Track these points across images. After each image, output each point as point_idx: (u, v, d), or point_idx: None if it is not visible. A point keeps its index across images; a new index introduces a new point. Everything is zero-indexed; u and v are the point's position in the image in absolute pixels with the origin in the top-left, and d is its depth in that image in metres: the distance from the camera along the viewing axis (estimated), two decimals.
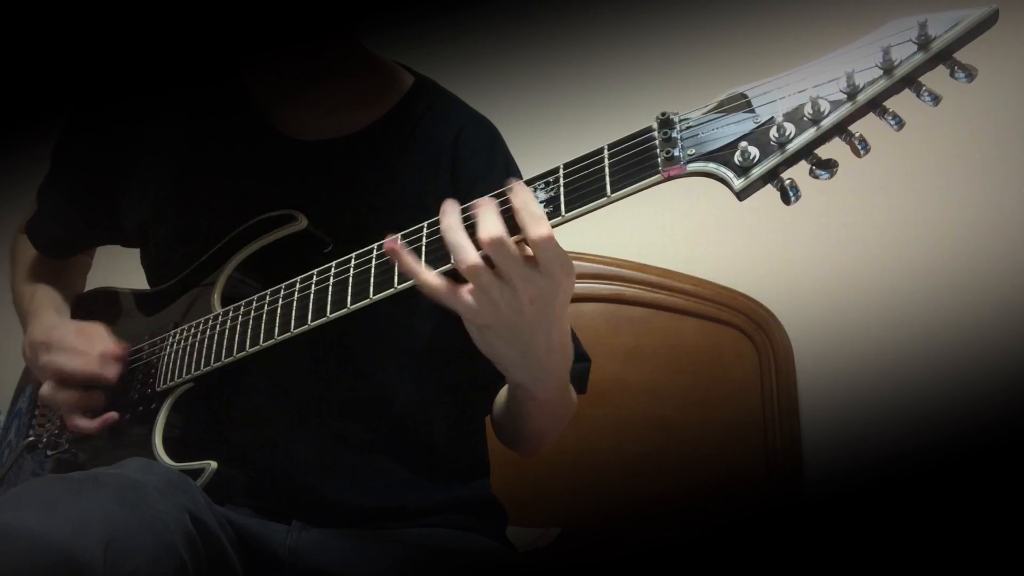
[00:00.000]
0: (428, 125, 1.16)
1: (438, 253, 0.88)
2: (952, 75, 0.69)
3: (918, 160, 1.65)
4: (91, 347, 1.12)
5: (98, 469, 0.98)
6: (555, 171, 0.83)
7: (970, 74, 0.68)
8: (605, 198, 0.79)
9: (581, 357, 1.12)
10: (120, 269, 1.35)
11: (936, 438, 1.62)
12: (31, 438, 1.21)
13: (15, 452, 1.22)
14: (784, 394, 1.65)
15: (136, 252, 1.24)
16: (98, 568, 0.75)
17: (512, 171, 1.19)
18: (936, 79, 0.70)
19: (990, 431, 1.60)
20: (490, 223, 0.82)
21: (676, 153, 0.77)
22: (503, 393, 1.12)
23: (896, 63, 0.69)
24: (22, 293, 1.30)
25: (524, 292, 0.83)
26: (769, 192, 0.76)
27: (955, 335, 1.64)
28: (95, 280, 1.38)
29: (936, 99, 0.69)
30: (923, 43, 0.69)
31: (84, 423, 1.12)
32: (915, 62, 0.69)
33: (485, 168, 1.15)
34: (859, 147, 0.71)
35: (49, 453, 1.19)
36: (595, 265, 1.70)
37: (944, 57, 0.69)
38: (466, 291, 0.84)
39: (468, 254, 0.83)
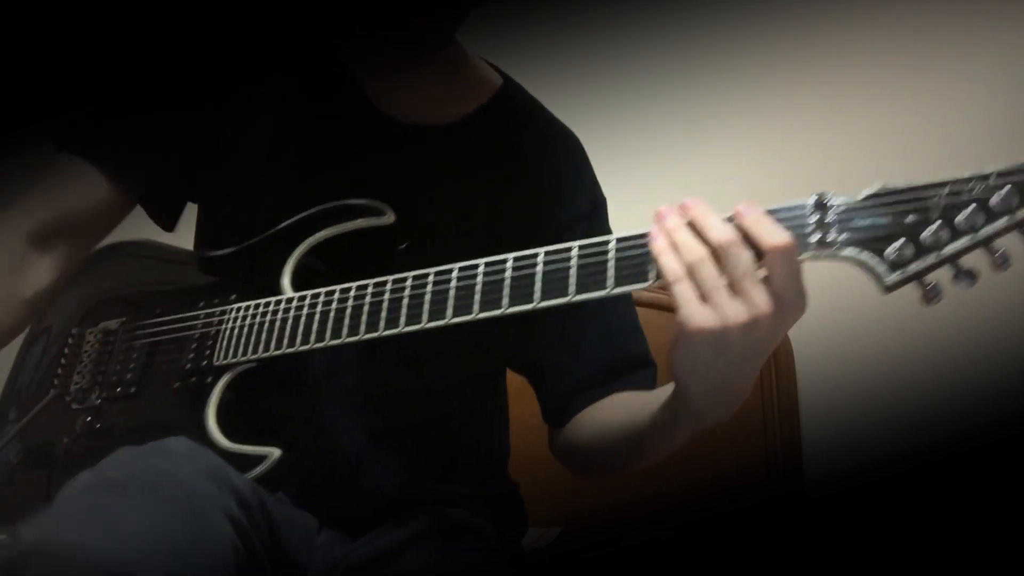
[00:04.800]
0: (519, 128, 1.16)
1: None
2: None
3: (919, 160, 1.65)
4: None
5: (142, 460, 0.91)
6: None
7: None
8: None
9: (651, 362, 1.13)
10: None
11: (936, 438, 1.62)
12: (55, 390, 1.13)
13: (40, 404, 1.13)
14: (784, 394, 1.65)
15: None
16: None
17: (596, 188, 1.19)
18: None
19: (990, 431, 1.61)
20: (719, 225, 0.77)
21: (830, 238, 0.77)
22: (617, 409, 1.06)
23: None
24: None
25: (752, 308, 0.76)
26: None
27: (955, 335, 1.64)
28: None
29: None
30: None
31: None
32: None
33: (571, 182, 1.16)
34: (1000, 262, 0.73)
35: (75, 407, 1.11)
36: None
37: None
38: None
39: (691, 249, 0.77)
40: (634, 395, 1.05)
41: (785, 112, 1.79)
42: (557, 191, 1.14)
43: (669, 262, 0.78)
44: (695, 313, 0.76)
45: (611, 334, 1.11)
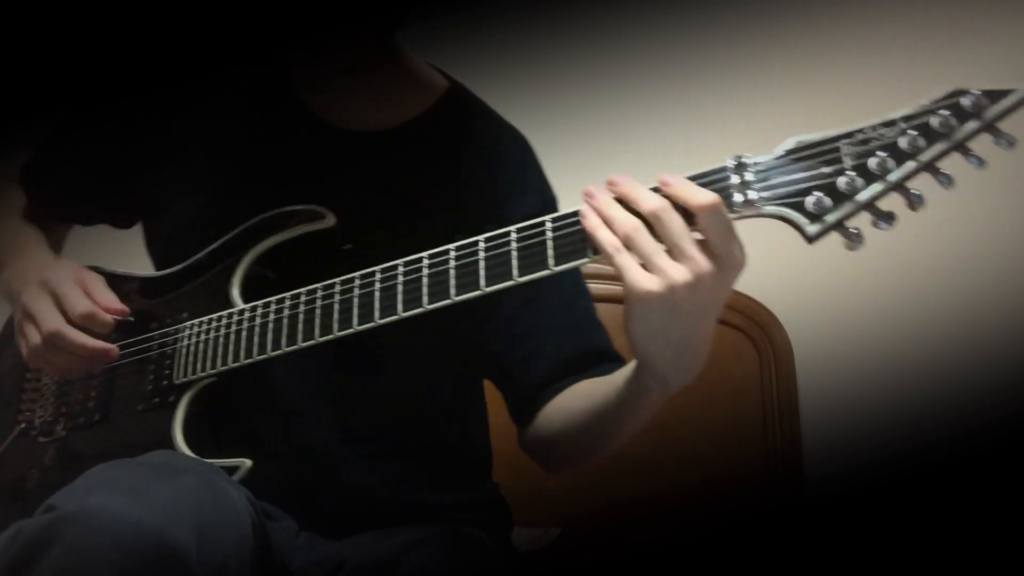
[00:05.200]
0: (464, 131, 1.16)
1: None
2: (996, 143, 0.75)
3: None
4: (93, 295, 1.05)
5: (158, 453, 0.97)
6: None
7: (1011, 143, 0.74)
8: None
9: (616, 356, 1.12)
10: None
11: (936, 438, 1.63)
12: (22, 424, 1.15)
13: (7, 441, 1.17)
14: (784, 394, 1.66)
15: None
16: (191, 552, 0.76)
17: (545, 187, 1.19)
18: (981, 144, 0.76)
19: (990, 431, 1.61)
20: (649, 195, 0.80)
21: (752, 196, 0.80)
22: (581, 395, 1.06)
23: (955, 129, 0.75)
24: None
25: (693, 267, 0.78)
26: None
27: (955, 335, 1.65)
28: None
29: (981, 163, 0.75)
30: (976, 112, 0.75)
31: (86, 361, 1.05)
32: (969, 130, 0.75)
33: (520, 182, 1.16)
34: (915, 201, 0.76)
35: (42, 440, 1.13)
36: (595, 265, 1.70)
37: (991, 126, 0.75)
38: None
39: (625, 220, 0.80)
40: (598, 380, 1.04)
41: (769, 115, 1.79)
42: (506, 191, 1.13)
43: (605, 236, 0.81)
44: (639, 278, 0.79)
45: (572, 329, 1.12)
